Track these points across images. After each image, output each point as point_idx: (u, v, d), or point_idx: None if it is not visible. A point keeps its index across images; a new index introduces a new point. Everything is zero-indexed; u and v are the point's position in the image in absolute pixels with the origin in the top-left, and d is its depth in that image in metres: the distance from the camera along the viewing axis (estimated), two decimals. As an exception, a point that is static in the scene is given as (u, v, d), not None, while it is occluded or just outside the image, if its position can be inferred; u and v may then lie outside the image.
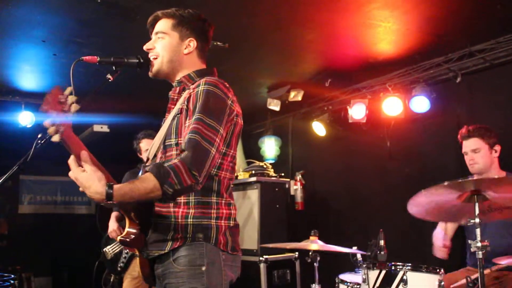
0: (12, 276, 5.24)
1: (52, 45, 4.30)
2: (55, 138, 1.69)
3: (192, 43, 2.27)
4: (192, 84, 2.20)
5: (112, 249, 4.30)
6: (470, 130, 3.64)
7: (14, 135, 5.57)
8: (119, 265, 4.25)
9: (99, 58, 2.13)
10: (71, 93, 1.74)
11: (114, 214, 4.07)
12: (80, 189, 1.78)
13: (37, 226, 7.05)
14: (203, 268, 1.97)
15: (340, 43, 4.39)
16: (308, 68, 5.08)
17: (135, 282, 4.19)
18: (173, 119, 2.13)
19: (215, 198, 2.07)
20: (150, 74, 2.28)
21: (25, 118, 5.64)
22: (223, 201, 2.09)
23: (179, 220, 2.02)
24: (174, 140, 2.10)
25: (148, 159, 2.20)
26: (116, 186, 1.76)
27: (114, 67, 2.19)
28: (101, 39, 4.18)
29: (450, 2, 3.59)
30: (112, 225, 4.02)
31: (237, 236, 2.15)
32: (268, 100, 5.73)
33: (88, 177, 1.76)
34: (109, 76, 2.18)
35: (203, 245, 2.00)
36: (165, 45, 2.23)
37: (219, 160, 2.07)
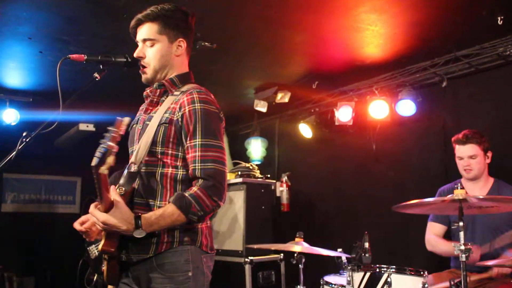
0: (-6, 275, 5.18)
1: (38, 42, 4.25)
2: (105, 171, 1.74)
3: (182, 44, 2.25)
4: (175, 90, 2.19)
5: (97, 248, 4.25)
6: (467, 135, 3.59)
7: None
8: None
9: (86, 57, 2.12)
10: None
11: None
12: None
13: (20, 225, 6.94)
14: (190, 274, 2.01)
15: (328, 45, 4.40)
16: (295, 70, 5.08)
17: (119, 282, 4.15)
18: (159, 126, 2.09)
19: None
20: (143, 80, 2.26)
21: (9, 116, 5.56)
22: None
23: None
24: (160, 149, 2.09)
25: (133, 163, 2.10)
26: (144, 222, 1.89)
27: (101, 66, 2.18)
28: (88, 37, 4.14)
29: (437, 8, 3.62)
30: None
31: (212, 235, 2.23)
32: (255, 101, 5.72)
33: (118, 218, 1.88)
34: (96, 75, 2.17)
35: (188, 250, 2.03)
36: (156, 52, 2.19)
37: None
